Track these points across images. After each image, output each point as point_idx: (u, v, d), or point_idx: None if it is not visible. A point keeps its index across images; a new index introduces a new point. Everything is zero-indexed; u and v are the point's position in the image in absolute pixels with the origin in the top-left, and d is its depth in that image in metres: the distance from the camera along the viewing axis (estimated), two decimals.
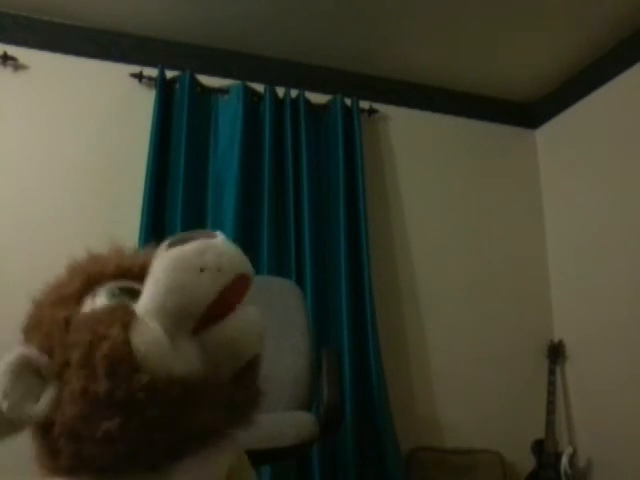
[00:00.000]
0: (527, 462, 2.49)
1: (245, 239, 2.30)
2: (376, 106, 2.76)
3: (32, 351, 0.70)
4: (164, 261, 0.72)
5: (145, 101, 2.41)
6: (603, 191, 2.57)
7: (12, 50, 2.31)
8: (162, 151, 2.33)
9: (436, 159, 2.86)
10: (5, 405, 0.66)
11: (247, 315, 0.76)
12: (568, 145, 2.83)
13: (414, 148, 2.83)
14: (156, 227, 2.22)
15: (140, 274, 0.76)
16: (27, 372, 0.68)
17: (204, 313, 0.70)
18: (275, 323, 1.82)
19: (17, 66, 2.33)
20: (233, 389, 0.74)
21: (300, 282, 2.30)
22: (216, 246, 0.73)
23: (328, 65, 2.72)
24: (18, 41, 2.34)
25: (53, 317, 0.72)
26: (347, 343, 2.28)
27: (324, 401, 1.53)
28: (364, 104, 2.71)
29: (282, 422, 1.34)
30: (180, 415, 0.68)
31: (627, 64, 2.49)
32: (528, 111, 3.06)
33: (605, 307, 2.50)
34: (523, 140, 3.05)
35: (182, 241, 0.73)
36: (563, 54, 2.63)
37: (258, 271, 2.29)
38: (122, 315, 0.69)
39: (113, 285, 0.75)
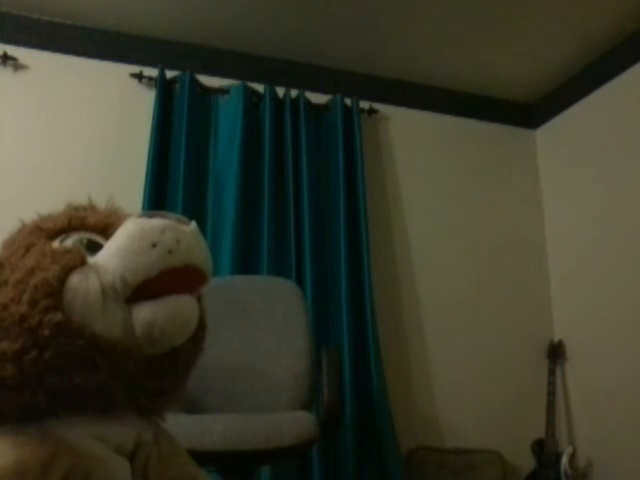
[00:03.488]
0: (527, 462, 2.48)
1: (245, 239, 2.30)
2: (376, 106, 2.75)
3: None
4: (126, 226, 0.74)
5: (145, 101, 2.41)
6: (603, 191, 2.57)
7: (12, 50, 2.31)
8: (162, 151, 2.33)
9: (436, 159, 2.86)
10: None
11: (178, 303, 0.73)
12: (568, 145, 2.83)
13: (414, 148, 2.83)
14: None
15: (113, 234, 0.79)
16: None
17: (140, 285, 0.71)
18: (275, 323, 1.82)
19: (17, 66, 2.33)
20: (141, 369, 0.73)
21: (300, 282, 2.30)
22: (179, 231, 0.73)
23: (328, 65, 2.72)
24: (18, 41, 2.34)
25: (21, 241, 0.76)
26: (347, 343, 2.28)
27: (324, 401, 1.54)
28: (364, 104, 2.71)
29: (282, 422, 1.35)
30: (75, 368, 0.69)
31: (627, 64, 2.49)
32: (528, 111, 3.06)
33: (605, 307, 2.50)
34: (523, 140, 3.04)
35: (154, 215, 0.75)
36: (563, 54, 2.63)
37: (258, 271, 2.29)
38: (70, 258, 0.72)
39: (85, 235, 0.78)
